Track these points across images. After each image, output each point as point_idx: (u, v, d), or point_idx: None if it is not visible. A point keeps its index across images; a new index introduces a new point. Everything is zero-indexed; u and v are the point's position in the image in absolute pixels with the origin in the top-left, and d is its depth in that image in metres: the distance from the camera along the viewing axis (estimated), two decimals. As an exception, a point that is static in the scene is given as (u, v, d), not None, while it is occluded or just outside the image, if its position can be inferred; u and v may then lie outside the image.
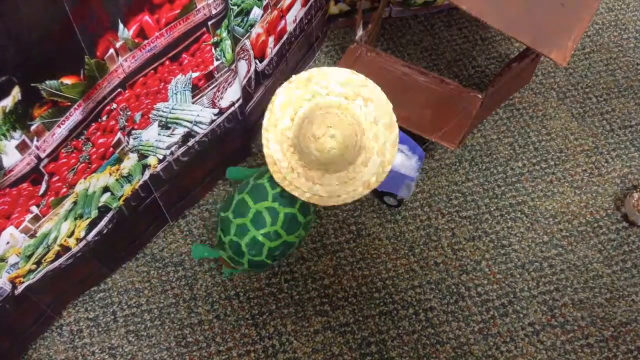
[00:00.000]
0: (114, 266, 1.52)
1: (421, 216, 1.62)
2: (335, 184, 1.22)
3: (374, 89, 1.21)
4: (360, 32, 1.65)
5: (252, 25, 1.41)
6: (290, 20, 1.58)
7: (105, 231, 1.38)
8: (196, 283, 1.53)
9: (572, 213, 1.64)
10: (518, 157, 1.71)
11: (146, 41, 1.13)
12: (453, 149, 1.55)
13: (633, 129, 1.77)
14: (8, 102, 0.95)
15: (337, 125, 1.16)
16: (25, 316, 1.37)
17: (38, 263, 1.28)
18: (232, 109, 1.48)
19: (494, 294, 1.52)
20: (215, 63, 1.31)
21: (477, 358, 1.45)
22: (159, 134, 1.34)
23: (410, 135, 1.50)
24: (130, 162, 1.32)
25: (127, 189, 1.37)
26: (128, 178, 1.35)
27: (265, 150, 1.23)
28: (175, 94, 1.29)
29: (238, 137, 1.60)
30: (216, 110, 1.43)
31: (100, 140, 1.20)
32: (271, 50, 1.57)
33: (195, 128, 1.42)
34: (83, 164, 1.20)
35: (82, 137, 1.15)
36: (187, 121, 1.38)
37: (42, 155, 1.08)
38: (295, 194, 1.23)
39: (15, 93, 0.95)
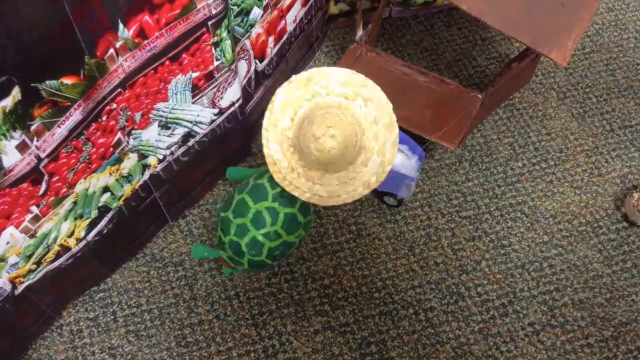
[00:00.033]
0: (114, 266, 1.52)
1: (421, 216, 1.62)
2: (335, 184, 1.22)
3: (374, 89, 1.21)
4: (360, 32, 1.65)
5: (252, 25, 1.41)
6: (290, 20, 1.58)
7: (105, 231, 1.38)
8: (196, 283, 1.53)
9: (572, 213, 1.64)
10: (518, 157, 1.71)
11: (146, 41, 1.13)
12: (453, 149, 1.55)
13: (633, 129, 1.77)
14: (8, 102, 0.95)
15: (337, 125, 1.16)
16: (25, 316, 1.37)
17: (38, 263, 1.28)
18: (232, 109, 1.48)
19: (494, 294, 1.52)
20: (215, 63, 1.31)
21: (477, 358, 1.45)
22: (159, 134, 1.34)
23: (410, 135, 1.50)
24: (130, 162, 1.32)
25: (127, 189, 1.37)
26: (128, 178, 1.35)
27: (265, 150, 1.23)
28: (175, 94, 1.29)
29: (238, 137, 1.60)
30: (216, 110, 1.43)
31: (100, 140, 1.20)
32: (271, 50, 1.57)
33: (195, 128, 1.42)
34: (83, 164, 1.20)
35: (82, 137, 1.15)
36: (187, 121, 1.38)
37: (42, 155, 1.08)
38: (295, 194, 1.23)
39: (15, 93, 0.95)
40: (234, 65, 1.37)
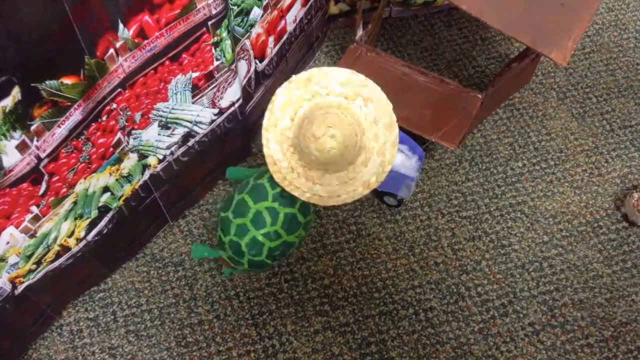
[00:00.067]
0: (114, 266, 1.52)
1: (421, 216, 1.62)
2: (335, 184, 1.22)
3: (374, 89, 1.21)
4: (360, 32, 1.65)
5: (252, 25, 1.41)
6: (290, 20, 1.58)
7: (105, 231, 1.38)
8: (196, 283, 1.53)
9: (572, 213, 1.64)
10: (518, 157, 1.71)
11: (146, 41, 1.13)
12: (453, 149, 1.55)
13: (633, 129, 1.77)
14: (8, 102, 0.95)
15: (337, 125, 1.16)
16: (25, 316, 1.37)
17: (38, 263, 1.28)
18: (232, 109, 1.48)
19: (494, 294, 1.52)
20: (215, 63, 1.31)
21: (477, 358, 1.45)
22: (159, 134, 1.34)
23: (410, 135, 1.50)
24: (130, 162, 1.32)
25: (127, 189, 1.37)
26: (128, 178, 1.35)
27: (265, 150, 1.23)
28: (175, 94, 1.29)
29: (238, 137, 1.60)
30: (216, 110, 1.43)
31: (100, 140, 1.20)
32: (271, 50, 1.57)
33: (195, 128, 1.42)
34: (83, 164, 1.20)
35: (82, 137, 1.15)
36: (187, 121, 1.38)
37: (42, 155, 1.08)
38: (295, 194, 1.23)
39: (15, 93, 0.95)
40: (234, 65, 1.37)
